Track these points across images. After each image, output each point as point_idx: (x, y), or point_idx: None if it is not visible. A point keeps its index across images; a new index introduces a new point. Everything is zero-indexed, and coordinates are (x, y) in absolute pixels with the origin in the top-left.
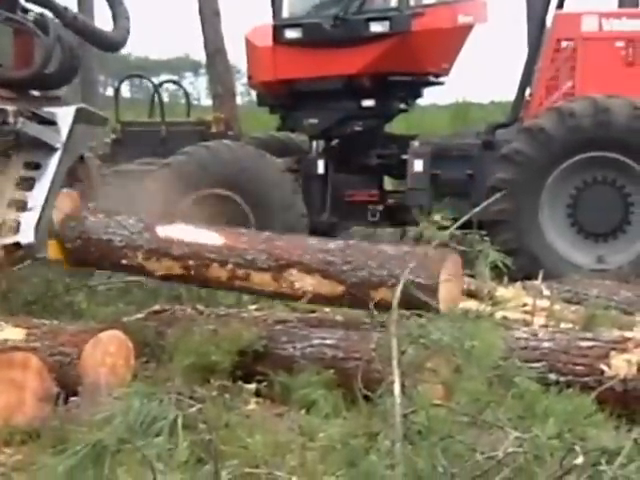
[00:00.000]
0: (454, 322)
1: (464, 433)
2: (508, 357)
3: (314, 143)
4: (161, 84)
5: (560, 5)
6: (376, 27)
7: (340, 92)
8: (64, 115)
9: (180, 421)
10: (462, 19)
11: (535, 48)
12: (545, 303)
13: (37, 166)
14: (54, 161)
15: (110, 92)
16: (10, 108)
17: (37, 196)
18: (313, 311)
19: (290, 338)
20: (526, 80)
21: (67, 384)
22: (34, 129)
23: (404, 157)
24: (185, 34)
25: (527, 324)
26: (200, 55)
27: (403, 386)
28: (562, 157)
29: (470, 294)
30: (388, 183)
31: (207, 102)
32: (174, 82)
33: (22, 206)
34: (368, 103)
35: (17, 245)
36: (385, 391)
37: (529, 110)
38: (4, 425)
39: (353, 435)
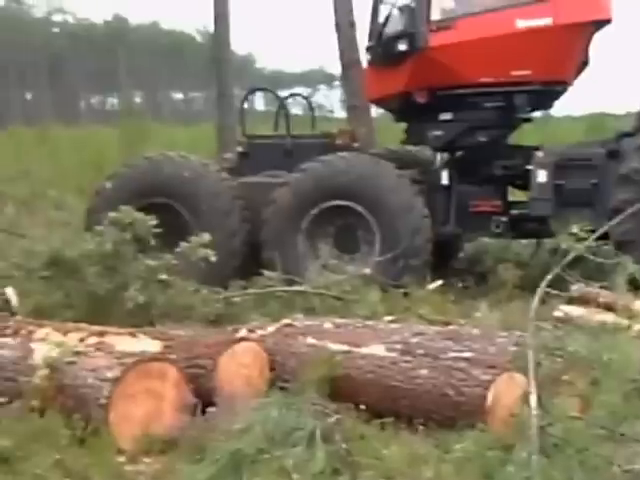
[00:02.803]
0: (591, 335)
1: (601, 446)
2: None
3: (438, 155)
4: (287, 97)
5: None
6: (401, 46)
7: (414, 110)
8: None
9: (318, 432)
10: (525, 23)
11: None
12: None
13: None
14: None
15: (246, 105)
16: None
17: None
18: (448, 323)
19: (427, 351)
20: None
21: (203, 395)
22: None
23: (528, 167)
24: (320, 47)
25: None
26: (334, 67)
27: (539, 398)
28: None
29: (607, 307)
30: (511, 194)
31: (342, 114)
32: (300, 95)
33: None
34: (446, 117)
35: None
36: (521, 403)
37: None
38: (143, 434)
39: (488, 447)
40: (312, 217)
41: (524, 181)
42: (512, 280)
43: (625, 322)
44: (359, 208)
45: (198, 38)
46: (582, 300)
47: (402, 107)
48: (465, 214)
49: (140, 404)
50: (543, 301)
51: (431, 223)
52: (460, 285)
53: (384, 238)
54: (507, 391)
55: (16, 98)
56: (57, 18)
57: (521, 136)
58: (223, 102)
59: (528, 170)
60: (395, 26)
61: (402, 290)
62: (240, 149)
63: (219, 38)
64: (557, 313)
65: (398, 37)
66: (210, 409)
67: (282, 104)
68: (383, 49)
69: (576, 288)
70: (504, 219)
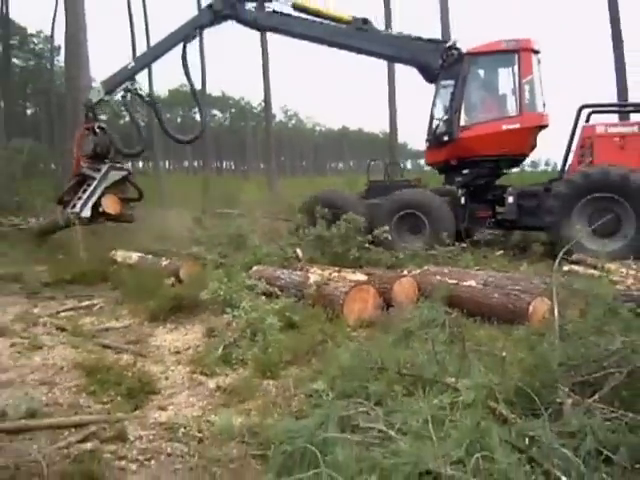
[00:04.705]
0: (585, 280)
1: (593, 336)
2: (615, 298)
3: (460, 190)
4: (388, 164)
5: (587, 120)
6: (444, 137)
7: (449, 168)
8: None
9: (446, 321)
10: (506, 127)
11: (571, 141)
12: (633, 272)
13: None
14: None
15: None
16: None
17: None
18: (507, 272)
19: (497, 284)
20: (566, 157)
21: (387, 301)
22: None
23: (504, 196)
24: None
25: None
26: None
27: (559, 311)
28: (584, 195)
29: (593, 266)
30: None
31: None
32: (395, 163)
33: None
34: (465, 171)
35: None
36: (549, 313)
37: (569, 172)
38: (359, 319)
39: (531, 334)
40: (398, 217)
41: (503, 202)
42: (539, 252)
43: (603, 274)
44: (419, 214)
45: (381, 135)
46: (579, 262)
47: (443, 167)
48: (473, 218)
49: (357, 304)
50: (559, 262)
51: (456, 221)
52: (512, 254)
53: (432, 227)
54: (540, 306)
55: (297, 165)
56: (317, 128)
57: (506, 179)
58: (391, 168)
59: (504, 197)
60: (442, 128)
61: (482, 254)
62: (366, 187)
63: (392, 135)
64: (566, 268)
65: (444, 133)
66: (390, 309)
67: (386, 168)
68: (435, 139)
69: (575, 256)
70: (493, 220)
